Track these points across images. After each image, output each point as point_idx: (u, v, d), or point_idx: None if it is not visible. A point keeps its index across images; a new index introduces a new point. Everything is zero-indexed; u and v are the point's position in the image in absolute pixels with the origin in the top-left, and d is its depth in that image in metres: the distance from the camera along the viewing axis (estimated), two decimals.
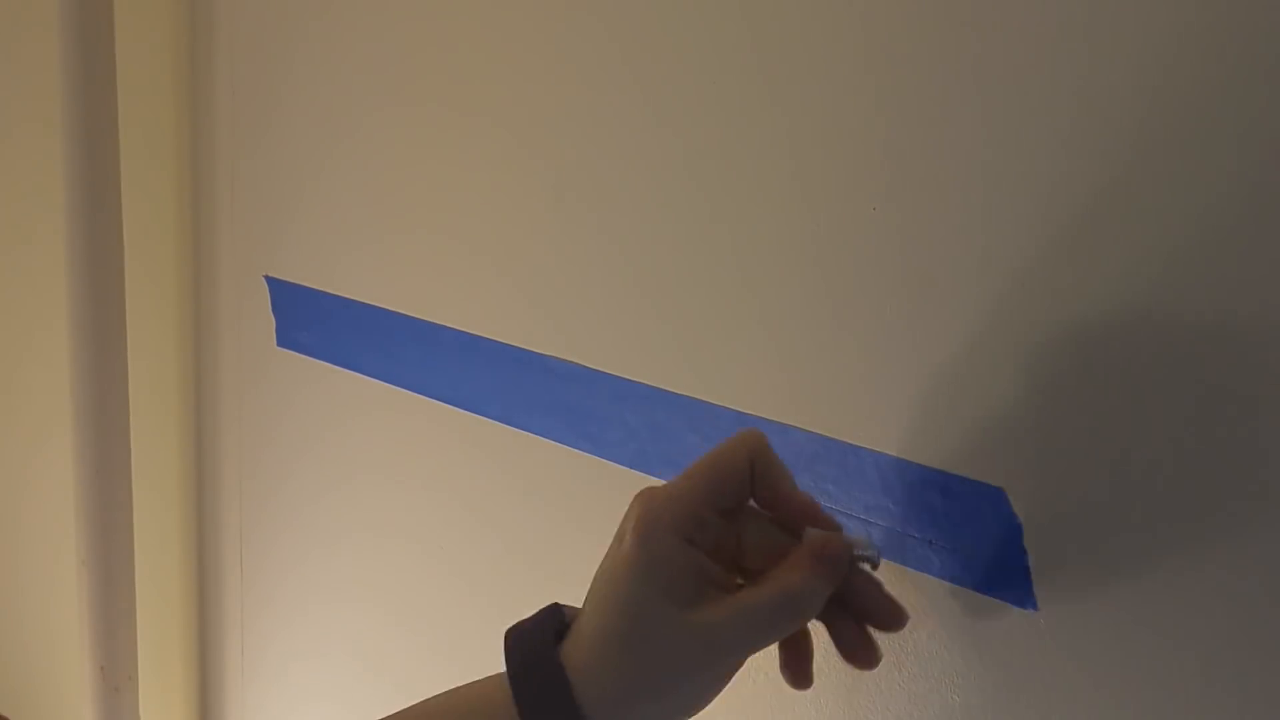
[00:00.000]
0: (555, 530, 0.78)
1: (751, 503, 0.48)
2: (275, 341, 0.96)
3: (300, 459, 0.96)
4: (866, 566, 0.46)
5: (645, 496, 0.46)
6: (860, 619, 0.45)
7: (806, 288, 0.62)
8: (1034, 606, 0.55)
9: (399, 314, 0.85)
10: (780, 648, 0.48)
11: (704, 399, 0.67)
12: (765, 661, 0.65)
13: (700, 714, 0.62)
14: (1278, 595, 0.48)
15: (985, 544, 0.56)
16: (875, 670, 0.61)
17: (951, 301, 0.56)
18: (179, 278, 1.04)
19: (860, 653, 0.46)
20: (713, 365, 0.66)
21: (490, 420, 0.80)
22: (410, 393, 0.85)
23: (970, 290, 0.56)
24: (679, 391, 0.68)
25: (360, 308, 0.87)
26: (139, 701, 1.04)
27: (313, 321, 0.92)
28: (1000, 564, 0.56)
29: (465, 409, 0.81)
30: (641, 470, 0.70)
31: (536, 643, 0.46)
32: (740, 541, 0.48)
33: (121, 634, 1.01)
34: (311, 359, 0.93)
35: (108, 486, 0.98)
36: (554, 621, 0.48)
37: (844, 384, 0.61)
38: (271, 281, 0.95)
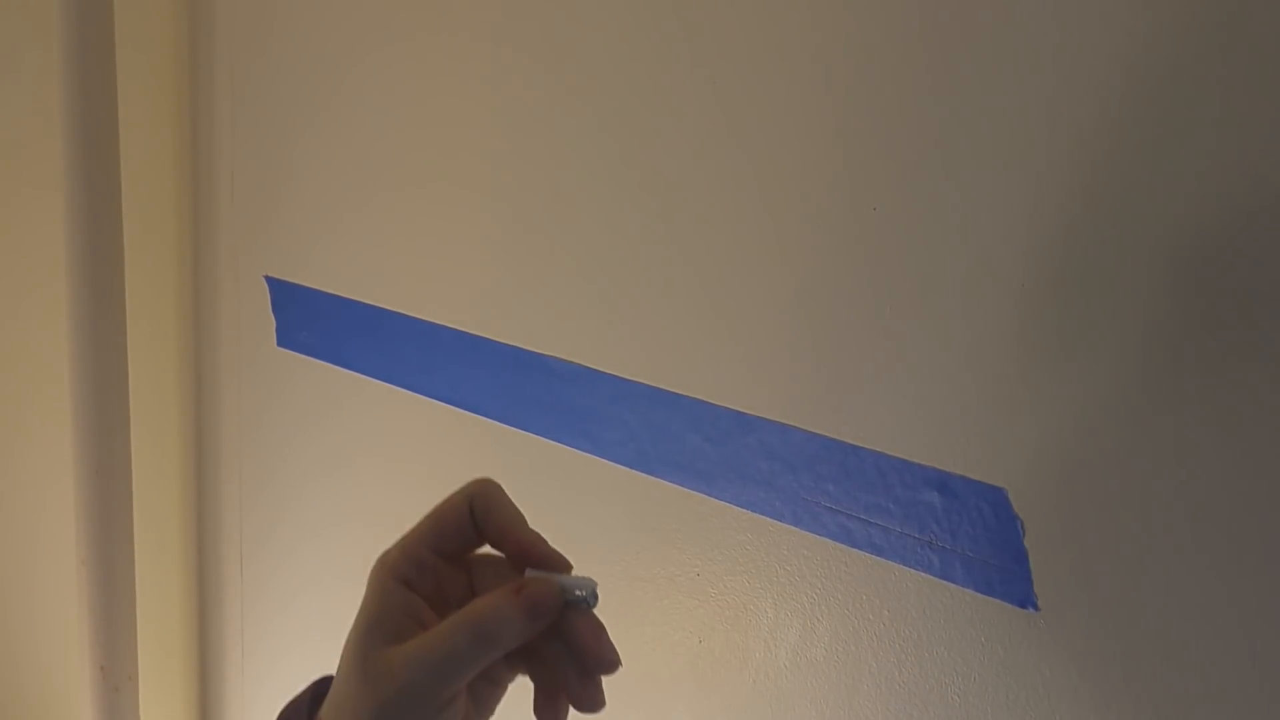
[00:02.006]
0: (556, 531, 0.78)
1: (489, 548, 0.49)
2: (275, 341, 0.96)
3: (301, 459, 0.96)
4: (584, 607, 0.46)
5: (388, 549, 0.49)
6: (578, 660, 0.45)
7: (807, 288, 0.62)
8: (1034, 606, 0.55)
9: (399, 314, 0.85)
10: (536, 691, 0.48)
11: (704, 399, 0.67)
12: (762, 660, 0.65)
13: (697, 711, 0.62)
14: (1277, 596, 0.48)
15: (985, 544, 0.56)
16: (876, 670, 0.61)
17: (951, 301, 0.56)
18: (179, 278, 1.04)
19: (581, 694, 0.46)
20: (713, 365, 0.66)
21: (490, 420, 0.80)
22: (410, 392, 0.85)
23: (970, 290, 0.56)
24: (679, 391, 0.68)
25: (360, 307, 0.87)
26: (139, 701, 1.04)
27: (312, 321, 0.92)
28: (1000, 564, 0.56)
29: (465, 409, 0.81)
30: (641, 470, 0.70)
31: (300, 707, 0.50)
32: (471, 585, 0.49)
33: (121, 634, 1.01)
34: (311, 359, 0.93)
35: (108, 486, 0.98)
36: (320, 688, 0.51)
37: (844, 384, 0.61)
38: (271, 281, 0.95)
